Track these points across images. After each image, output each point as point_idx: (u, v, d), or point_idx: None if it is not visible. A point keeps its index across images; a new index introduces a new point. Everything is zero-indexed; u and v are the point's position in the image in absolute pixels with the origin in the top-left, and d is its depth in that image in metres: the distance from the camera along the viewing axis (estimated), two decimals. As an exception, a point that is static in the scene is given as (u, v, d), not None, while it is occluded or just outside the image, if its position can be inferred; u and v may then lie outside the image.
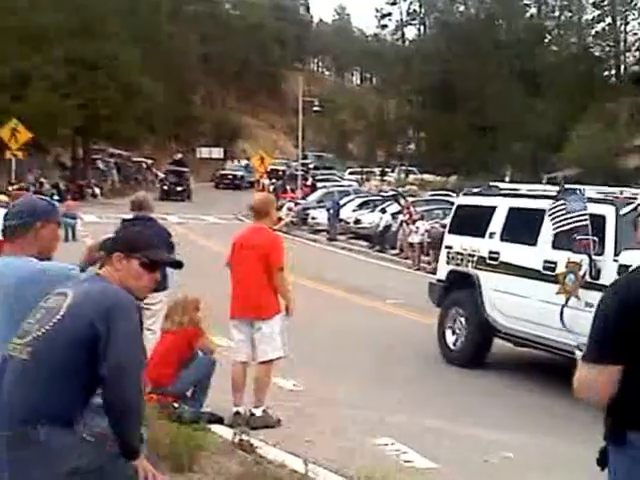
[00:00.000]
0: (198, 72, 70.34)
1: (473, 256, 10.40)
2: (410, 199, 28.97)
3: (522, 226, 9.84)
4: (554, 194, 9.20)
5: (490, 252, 10.14)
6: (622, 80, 63.09)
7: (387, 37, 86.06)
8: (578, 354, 2.97)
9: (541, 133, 51.99)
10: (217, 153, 65.98)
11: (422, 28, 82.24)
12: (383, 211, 27.90)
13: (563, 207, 8.63)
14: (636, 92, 57.05)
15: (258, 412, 7.25)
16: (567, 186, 9.33)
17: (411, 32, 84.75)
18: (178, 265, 3.77)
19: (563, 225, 8.65)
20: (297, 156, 50.92)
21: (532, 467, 6.49)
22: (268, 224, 7.57)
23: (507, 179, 45.51)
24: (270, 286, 7.27)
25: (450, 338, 10.56)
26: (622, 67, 66.38)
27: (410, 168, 58.60)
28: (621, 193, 9.38)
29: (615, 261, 8.25)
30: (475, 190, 11.68)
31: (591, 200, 8.82)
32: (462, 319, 10.43)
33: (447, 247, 11.09)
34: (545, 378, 9.43)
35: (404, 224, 24.38)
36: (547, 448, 6.93)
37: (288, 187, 41.98)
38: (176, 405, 6.98)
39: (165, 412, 6.60)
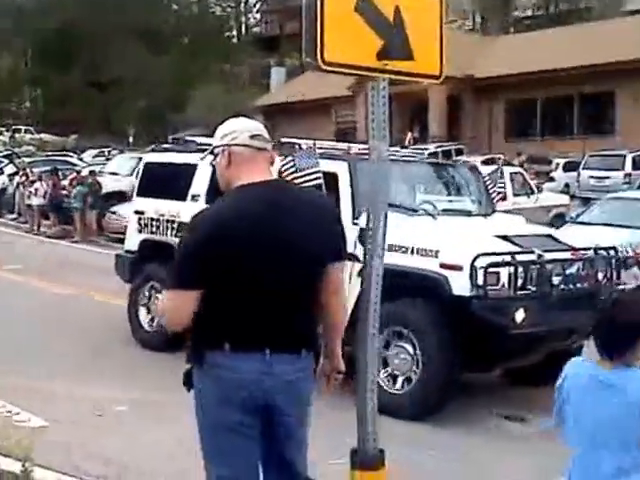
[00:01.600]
0: None
1: (173, 222, 8.99)
2: (27, 160, 27.90)
3: None
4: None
5: None
6: (244, 41, 65.15)
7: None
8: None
9: (165, 93, 52.22)
10: None
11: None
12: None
13: (292, 165, 7.57)
14: (257, 54, 59.62)
15: None
16: (283, 140, 8.36)
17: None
18: None
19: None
20: None
21: (146, 418, 6.60)
22: None
23: (130, 139, 45.48)
24: None
25: (145, 318, 9.24)
26: (243, 28, 67.74)
27: (27, 127, 55.99)
28: (349, 148, 8.47)
29: (355, 224, 7.08)
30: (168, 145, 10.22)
31: (321, 156, 7.74)
32: (160, 296, 8.72)
33: (138, 212, 9.57)
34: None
35: (21, 186, 23.40)
36: (167, 400, 6.97)
37: None
38: None
39: None
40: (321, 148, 8.07)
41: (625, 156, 26.99)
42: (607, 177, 26.27)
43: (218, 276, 3.10)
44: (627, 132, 31.67)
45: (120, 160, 26.32)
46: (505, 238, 7.12)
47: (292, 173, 7.51)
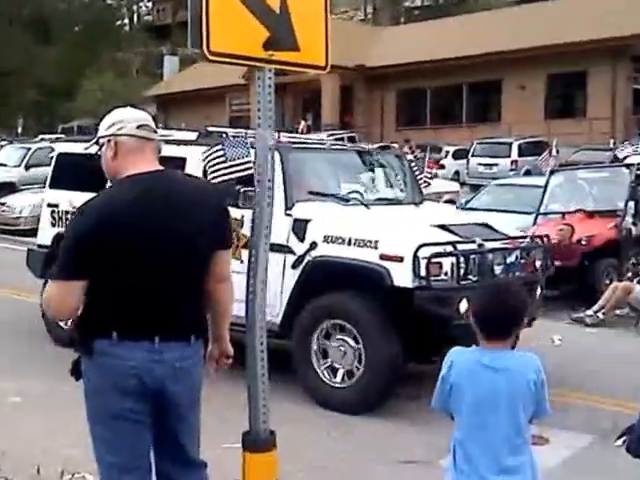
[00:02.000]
0: None
1: None
2: None
3: None
4: (195, 139, 7.94)
5: None
6: (136, 30, 64.08)
7: None
8: None
9: (55, 82, 50.99)
10: None
11: None
12: None
13: (222, 154, 7.24)
14: (149, 42, 58.73)
15: None
16: (211, 129, 8.14)
17: None
18: None
19: (224, 175, 7.21)
20: None
21: (40, 410, 6.50)
22: None
23: (19, 129, 44.22)
24: None
25: None
26: (135, 17, 66.93)
27: None
28: (279, 137, 7.95)
29: (288, 215, 6.99)
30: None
31: (252, 145, 7.13)
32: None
33: (51, 205, 9.11)
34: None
35: None
36: (65, 392, 6.93)
37: None
38: None
39: None
40: (251, 137, 7.52)
41: (511, 144, 27.83)
42: (495, 164, 27.05)
43: (104, 266, 3.11)
44: (513, 120, 32.63)
45: (9, 151, 25.63)
46: (443, 227, 6.97)
47: (221, 163, 7.20)
